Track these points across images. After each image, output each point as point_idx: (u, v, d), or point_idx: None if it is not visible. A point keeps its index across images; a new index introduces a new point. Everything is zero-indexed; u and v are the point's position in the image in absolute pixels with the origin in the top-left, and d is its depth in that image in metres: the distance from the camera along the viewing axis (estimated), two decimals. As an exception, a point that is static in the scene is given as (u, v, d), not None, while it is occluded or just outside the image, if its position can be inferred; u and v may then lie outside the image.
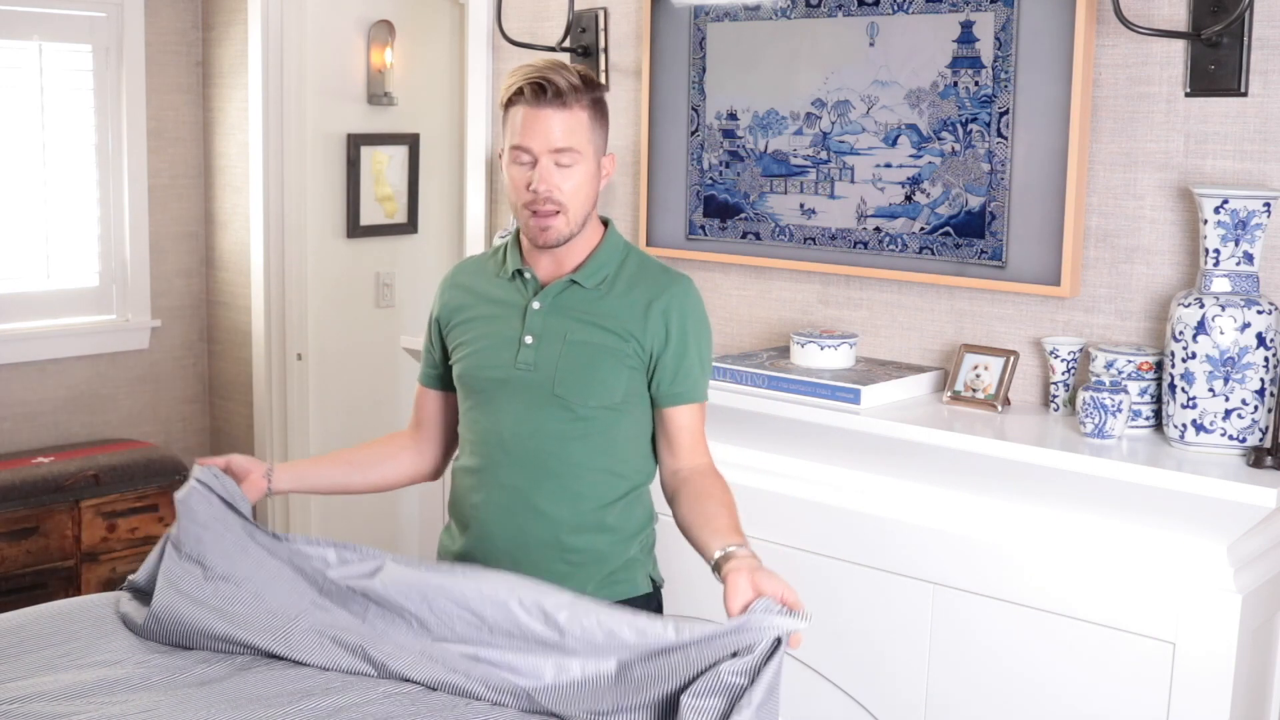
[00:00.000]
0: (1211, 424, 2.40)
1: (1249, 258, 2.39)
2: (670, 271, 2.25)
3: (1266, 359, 2.38)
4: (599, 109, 2.19)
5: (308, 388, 4.59)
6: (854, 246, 2.96)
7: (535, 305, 2.21)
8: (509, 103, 2.17)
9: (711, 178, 3.18)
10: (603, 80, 3.39)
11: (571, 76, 2.14)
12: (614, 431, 2.20)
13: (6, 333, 4.21)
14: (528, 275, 2.23)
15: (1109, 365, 2.55)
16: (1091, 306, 2.70)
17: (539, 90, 2.12)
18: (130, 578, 2.39)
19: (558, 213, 2.14)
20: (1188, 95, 2.55)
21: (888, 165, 2.89)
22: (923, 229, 2.85)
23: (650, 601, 2.29)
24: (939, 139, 2.80)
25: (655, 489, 2.30)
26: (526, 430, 2.19)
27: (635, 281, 2.22)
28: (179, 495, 2.28)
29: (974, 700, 2.48)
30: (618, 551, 2.23)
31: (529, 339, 2.19)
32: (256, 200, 4.45)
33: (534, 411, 2.19)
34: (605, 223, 2.28)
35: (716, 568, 1.97)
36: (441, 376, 2.38)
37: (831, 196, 2.98)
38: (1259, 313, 2.37)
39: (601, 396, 2.17)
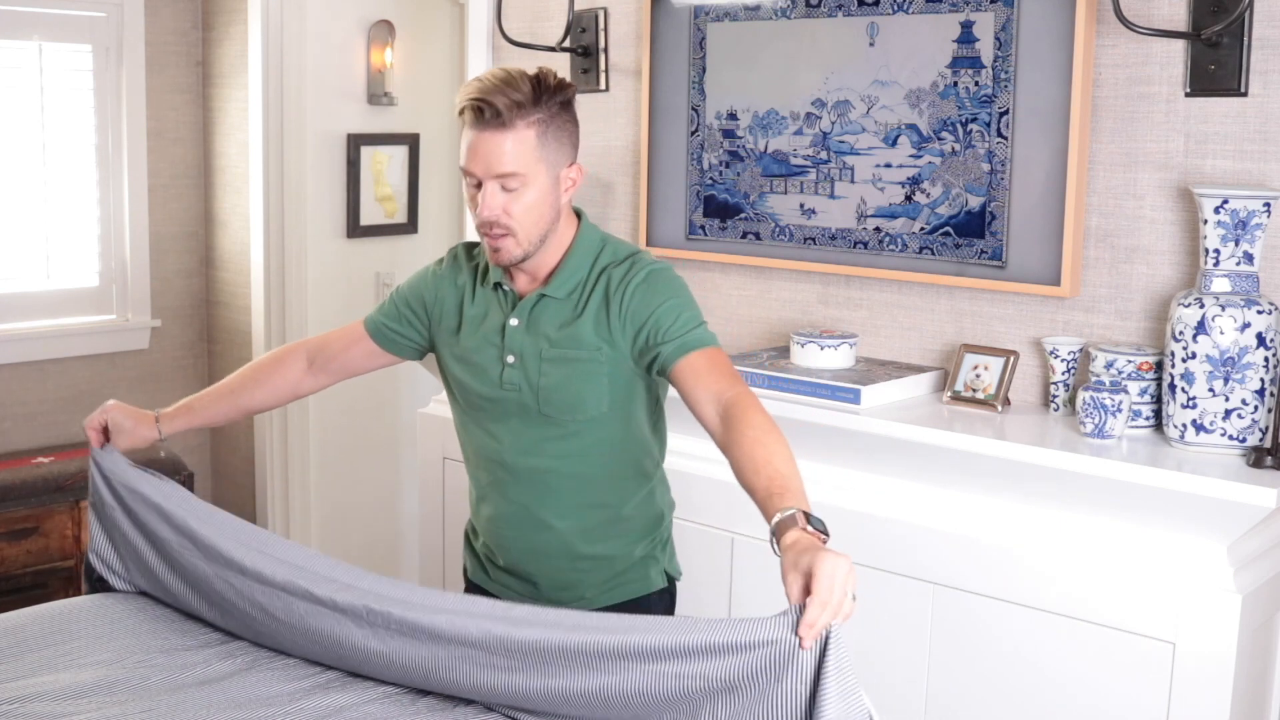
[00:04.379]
0: (1211, 424, 2.39)
1: (1249, 258, 2.39)
2: (629, 262, 2.16)
3: (1266, 359, 2.38)
4: (554, 123, 2.08)
5: (308, 388, 4.59)
6: (854, 246, 2.96)
7: (513, 322, 2.17)
8: (461, 116, 2.10)
9: (711, 178, 3.18)
10: (603, 80, 3.38)
11: (515, 93, 2.03)
12: (610, 438, 2.18)
13: (6, 333, 4.21)
14: (506, 289, 2.20)
15: (1109, 365, 2.55)
16: (1091, 306, 2.70)
17: (478, 113, 2.04)
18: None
19: (506, 235, 2.09)
20: (1188, 95, 2.55)
21: (888, 165, 2.89)
22: (923, 229, 2.85)
23: (663, 597, 2.29)
24: (939, 139, 2.80)
25: (672, 474, 2.29)
26: (523, 449, 2.18)
27: (600, 283, 2.15)
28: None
29: (974, 700, 2.48)
30: (626, 552, 2.23)
31: (510, 358, 2.17)
32: (256, 200, 4.45)
33: (527, 430, 2.18)
34: (578, 215, 2.21)
35: (774, 535, 1.76)
36: (397, 341, 2.33)
37: (831, 196, 2.98)
38: (1259, 313, 2.37)
39: (587, 409, 2.15)
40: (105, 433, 2.36)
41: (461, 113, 2.07)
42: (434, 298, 2.29)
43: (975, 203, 2.77)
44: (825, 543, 1.70)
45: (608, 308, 2.13)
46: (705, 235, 3.21)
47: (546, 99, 2.07)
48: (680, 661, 1.74)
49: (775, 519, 1.75)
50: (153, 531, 2.31)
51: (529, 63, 3.54)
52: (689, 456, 2.68)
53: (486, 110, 2.03)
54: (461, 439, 2.31)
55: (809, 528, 1.71)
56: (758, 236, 3.12)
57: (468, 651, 1.92)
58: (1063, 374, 2.65)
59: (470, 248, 2.32)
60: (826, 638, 1.65)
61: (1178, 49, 2.55)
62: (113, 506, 2.37)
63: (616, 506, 2.20)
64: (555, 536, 2.19)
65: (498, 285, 2.21)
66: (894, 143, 2.87)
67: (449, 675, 1.96)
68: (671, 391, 2.30)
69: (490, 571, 2.32)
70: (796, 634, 1.63)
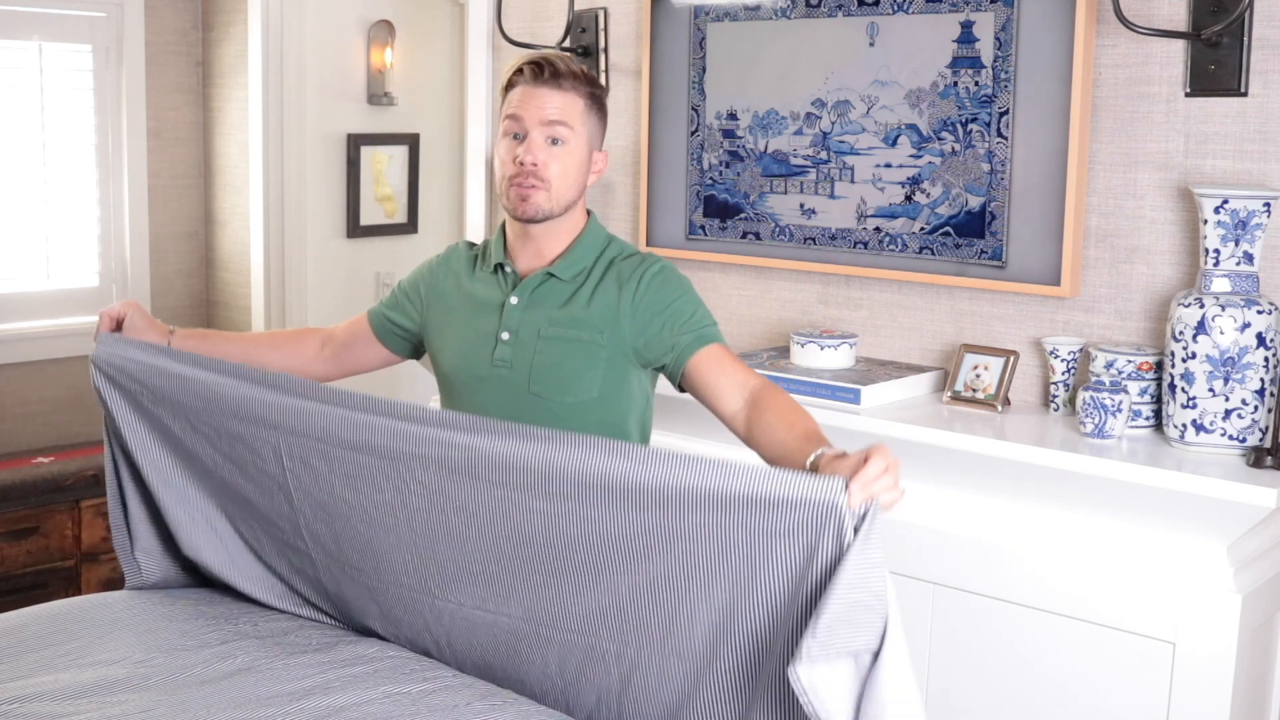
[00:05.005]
0: (1211, 424, 2.39)
1: (1249, 258, 2.39)
2: (639, 256, 2.23)
3: (1266, 359, 2.38)
4: (595, 102, 2.21)
5: (308, 388, 4.59)
6: (854, 246, 2.96)
7: (513, 300, 2.20)
8: (508, 85, 2.20)
9: (711, 178, 3.18)
10: (602, 80, 3.39)
11: (572, 65, 2.18)
12: (596, 427, 2.18)
13: (6, 333, 4.21)
14: (508, 269, 2.23)
15: (1109, 365, 2.55)
16: (1091, 306, 2.70)
17: (537, 70, 2.15)
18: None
19: (540, 187, 2.14)
20: (1188, 95, 2.55)
21: (888, 165, 2.89)
22: (923, 229, 2.85)
23: None
24: (939, 139, 2.80)
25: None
26: None
27: (609, 273, 2.20)
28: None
29: (974, 700, 2.48)
30: None
31: (505, 335, 2.19)
32: (256, 200, 4.45)
33: (513, 410, 2.17)
34: (588, 213, 2.28)
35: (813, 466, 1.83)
36: (391, 331, 2.37)
37: (831, 196, 2.98)
38: (1259, 313, 2.37)
39: (577, 391, 2.16)
40: (119, 326, 2.37)
41: (515, 75, 2.18)
42: (429, 284, 2.34)
43: (975, 203, 2.77)
44: None
45: (619, 295, 2.17)
46: (705, 235, 3.21)
47: (589, 81, 2.20)
48: (721, 511, 1.76)
49: (821, 450, 1.82)
50: (175, 404, 2.28)
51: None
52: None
53: (546, 69, 2.15)
54: None
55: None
56: (758, 236, 3.12)
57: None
58: (1063, 374, 2.65)
59: (470, 244, 2.37)
60: (864, 516, 1.68)
61: (1178, 49, 2.55)
62: (124, 420, 2.34)
63: None
64: None
65: (499, 266, 2.24)
66: (894, 143, 2.87)
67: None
68: (663, 393, 2.30)
69: None
70: (847, 490, 1.67)
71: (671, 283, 2.19)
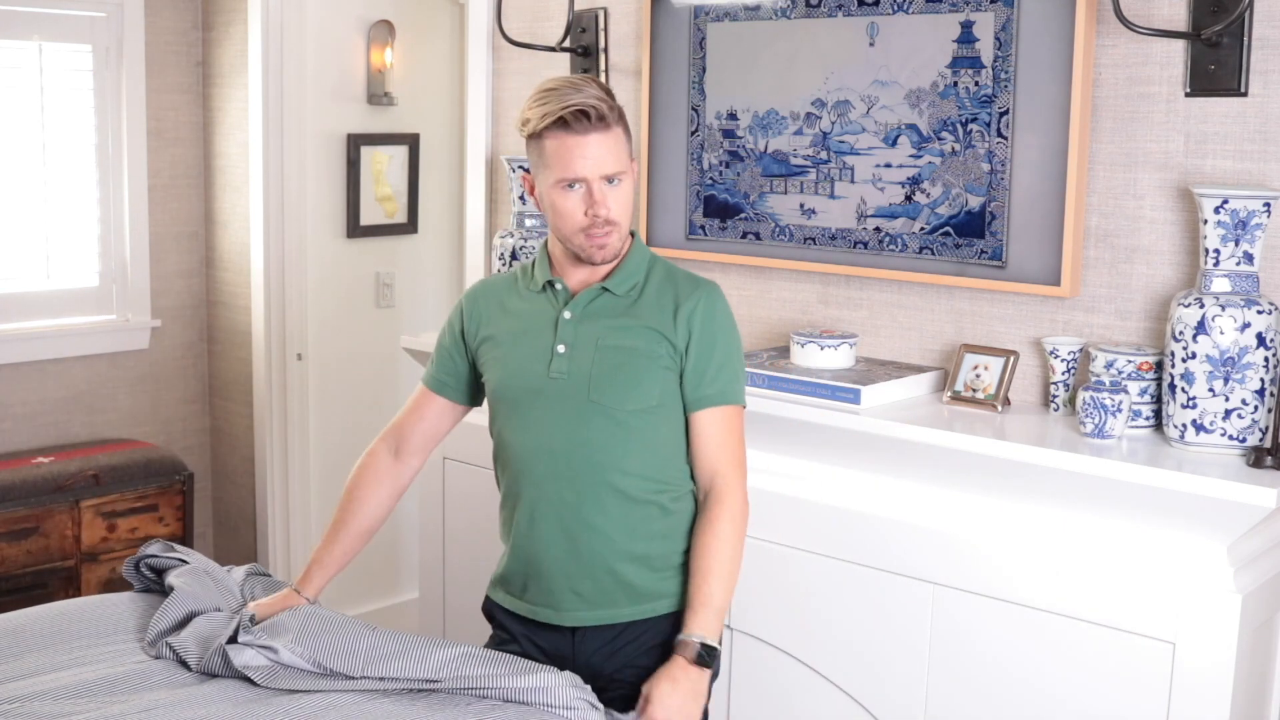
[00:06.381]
0: (1211, 424, 2.40)
1: (1249, 258, 2.39)
2: (696, 278, 2.28)
3: (1266, 359, 2.38)
4: (624, 121, 2.22)
5: (308, 388, 4.59)
6: (854, 246, 2.96)
7: (567, 315, 2.22)
8: (543, 132, 2.14)
9: (711, 178, 3.18)
10: (603, 80, 3.39)
11: (599, 95, 2.15)
12: (653, 436, 2.20)
13: (6, 333, 4.21)
14: (559, 286, 2.25)
15: (1109, 365, 2.55)
16: (1091, 306, 2.70)
17: (583, 118, 2.12)
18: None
19: (613, 230, 2.18)
20: (1188, 95, 2.55)
21: (888, 165, 2.89)
22: (923, 229, 2.85)
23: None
24: (939, 139, 2.80)
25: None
26: (567, 440, 2.18)
27: (664, 287, 2.24)
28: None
29: (973, 700, 2.48)
30: (666, 554, 2.22)
31: (561, 348, 2.20)
32: (256, 200, 4.45)
33: (572, 420, 2.18)
34: (631, 233, 2.30)
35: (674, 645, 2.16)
36: (455, 386, 2.37)
37: (831, 196, 2.98)
38: (1259, 313, 2.37)
39: (638, 399, 2.18)
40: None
41: (552, 124, 2.12)
42: (469, 316, 2.34)
43: (975, 203, 2.77)
44: (709, 671, 2.16)
45: (676, 309, 2.21)
46: (705, 235, 3.21)
47: (613, 102, 2.19)
48: None
49: (680, 636, 2.16)
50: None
51: (530, 63, 3.54)
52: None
53: (592, 114, 2.13)
54: (499, 454, 2.30)
55: (693, 660, 2.13)
56: (758, 236, 3.12)
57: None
58: (1063, 374, 2.65)
59: (497, 274, 2.42)
60: None
61: (1178, 49, 2.55)
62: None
63: (656, 508, 2.21)
64: (599, 539, 2.19)
65: (549, 284, 2.26)
66: (894, 143, 2.87)
67: None
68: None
69: (523, 594, 2.30)
70: None
71: (725, 316, 2.25)
